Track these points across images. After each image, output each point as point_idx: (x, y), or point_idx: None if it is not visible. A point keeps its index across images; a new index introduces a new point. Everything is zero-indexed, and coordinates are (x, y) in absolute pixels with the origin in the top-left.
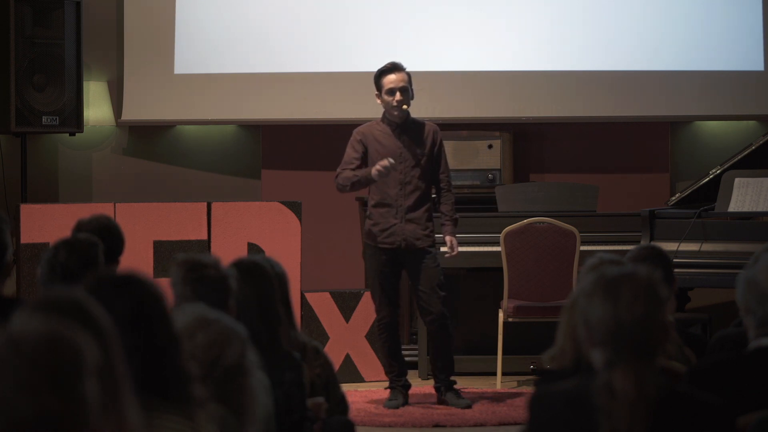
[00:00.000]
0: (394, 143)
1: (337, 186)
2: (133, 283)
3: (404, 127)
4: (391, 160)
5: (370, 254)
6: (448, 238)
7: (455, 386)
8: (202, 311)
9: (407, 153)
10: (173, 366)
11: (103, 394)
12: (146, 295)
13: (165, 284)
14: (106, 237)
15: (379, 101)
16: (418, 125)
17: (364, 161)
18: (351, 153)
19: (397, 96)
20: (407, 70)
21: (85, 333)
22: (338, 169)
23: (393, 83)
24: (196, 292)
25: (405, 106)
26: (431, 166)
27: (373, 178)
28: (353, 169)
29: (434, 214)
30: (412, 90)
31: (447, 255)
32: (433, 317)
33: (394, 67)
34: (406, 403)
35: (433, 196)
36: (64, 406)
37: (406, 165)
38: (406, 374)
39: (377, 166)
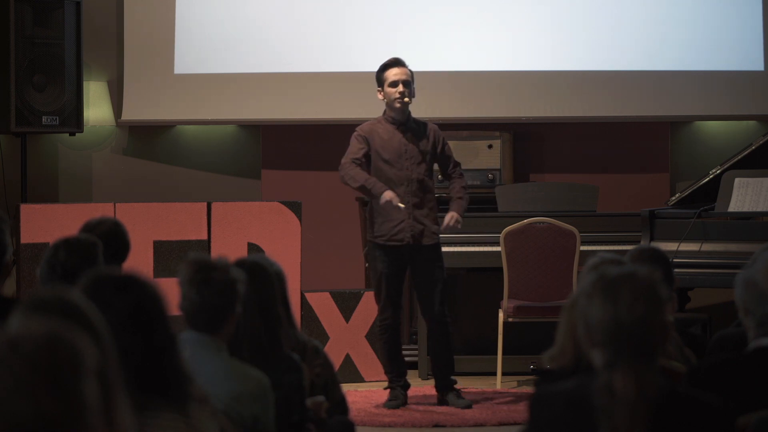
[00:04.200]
0: (398, 140)
1: (341, 177)
2: (133, 283)
3: (406, 125)
4: (402, 206)
5: (375, 254)
6: (450, 213)
7: (456, 386)
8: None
9: (412, 150)
10: (173, 365)
11: (99, 395)
12: (145, 295)
13: (165, 284)
14: (112, 241)
15: (381, 96)
16: (420, 124)
17: (368, 156)
18: (356, 144)
19: (400, 87)
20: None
21: (82, 333)
22: (344, 160)
23: (396, 76)
24: (201, 294)
25: (406, 99)
26: (435, 164)
27: (380, 199)
28: (360, 161)
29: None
30: (413, 88)
31: (442, 227)
32: (433, 316)
33: (396, 62)
34: (405, 403)
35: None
36: (62, 408)
37: (411, 162)
38: (405, 375)
39: (393, 200)
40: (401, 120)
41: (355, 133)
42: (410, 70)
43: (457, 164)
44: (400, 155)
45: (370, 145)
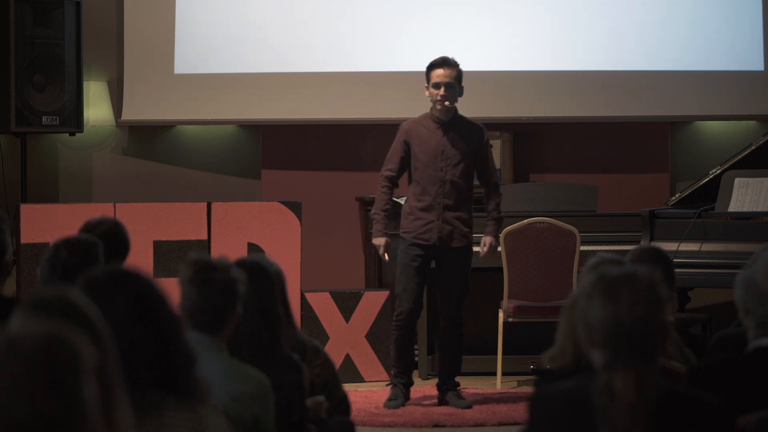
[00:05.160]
0: (437, 140)
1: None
2: (127, 275)
3: (450, 124)
4: (386, 258)
5: (402, 248)
6: (486, 239)
7: (458, 387)
8: None
9: (450, 151)
10: (180, 348)
11: (98, 395)
12: (142, 283)
13: (165, 284)
14: (112, 241)
15: (426, 94)
16: (466, 124)
17: (407, 160)
18: (395, 152)
19: (441, 91)
20: (459, 66)
21: (81, 333)
22: (383, 170)
23: (439, 78)
24: (201, 294)
25: (447, 103)
26: (475, 165)
27: (373, 239)
28: (396, 172)
29: (475, 215)
30: (461, 88)
31: (481, 255)
32: (448, 315)
33: (444, 62)
34: (406, 400)
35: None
36: (61, 408)
37: (448, 163)
38: (410, 373)
39: (379, 248)
40: (445, 119)
41: (397, 134)
42: (459, 70)
43: (493, 171)
44: (436, 156)
45: (410, 146)
